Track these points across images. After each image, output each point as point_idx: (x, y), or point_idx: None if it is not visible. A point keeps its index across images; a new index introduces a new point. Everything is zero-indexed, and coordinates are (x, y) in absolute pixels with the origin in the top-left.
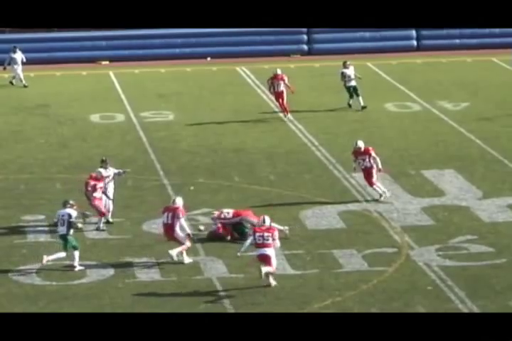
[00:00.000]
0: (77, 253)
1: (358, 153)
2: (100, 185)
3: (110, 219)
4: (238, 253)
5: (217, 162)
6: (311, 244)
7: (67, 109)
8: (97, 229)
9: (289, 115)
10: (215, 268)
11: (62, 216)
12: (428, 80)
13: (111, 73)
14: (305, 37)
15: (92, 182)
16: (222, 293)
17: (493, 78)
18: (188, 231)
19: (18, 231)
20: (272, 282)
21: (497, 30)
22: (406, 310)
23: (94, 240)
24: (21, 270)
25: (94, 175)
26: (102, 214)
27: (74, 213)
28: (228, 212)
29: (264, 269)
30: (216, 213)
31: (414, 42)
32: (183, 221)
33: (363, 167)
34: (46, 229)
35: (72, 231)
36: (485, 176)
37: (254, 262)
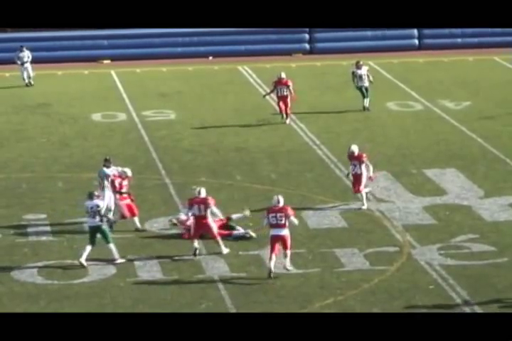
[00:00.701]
0: (112, 246)
1: (351, 157)
2: (125, 183)
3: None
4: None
5: (219, 161)
6: (313, 243)
7: (68, 108)
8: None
9: (287, 121)
10: (217, 267)
11: (91, 208)
12: (430, 79)
13: (112, 72)
14: (307, 36)
15: (119, 180)
16: (223, 292)
17: (495, 77)
18: (221, 216)
19: (20, 230)
20: (289, 267)
21: (498, 29)
22: (407, 309)
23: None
24: (23, 269)
25: (117, 174)
26: (123, 216)
27: (102, 204)
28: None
29: (286, 262)
30: (184, 217)
31: (416, 41)
32: (215, 209)
33: (353, 172)
34: (48, 227)
35: (104, 222)
36: (486, 175)
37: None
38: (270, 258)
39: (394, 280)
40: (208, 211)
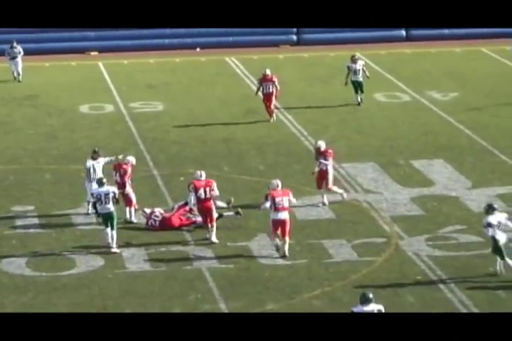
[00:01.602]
0: (115, 234)
1: (317, 152)
2: (129, 171)
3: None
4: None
5: (207, 152)
6: (301, 234)
7: (56, 99)
8: (130, 222)
9: (272, 119)
10: (205, 258)
11: (106, 194)
12: (417, 70)
13: (100, 64)
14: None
15: (125, 167)
16: (211, 284)
17: (482, 68)
18: (219, 199)
19: (8, 221)
20: (287, 252)
21: None
22: (395, 299)
23: (84, 231)
24: (11, 260)
25: (122, 162)
26: (132, 204)
27: (116, 189)
28: (155, 220)
29: (285, 248)
30: (148, 211)
31: (403, 32)
32: (217, 191)
33: (318, 168)
34: (36, 219)
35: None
36: (474, 166)
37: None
38: (274, 237)
39: (382, 271)
40: (212, 193)
